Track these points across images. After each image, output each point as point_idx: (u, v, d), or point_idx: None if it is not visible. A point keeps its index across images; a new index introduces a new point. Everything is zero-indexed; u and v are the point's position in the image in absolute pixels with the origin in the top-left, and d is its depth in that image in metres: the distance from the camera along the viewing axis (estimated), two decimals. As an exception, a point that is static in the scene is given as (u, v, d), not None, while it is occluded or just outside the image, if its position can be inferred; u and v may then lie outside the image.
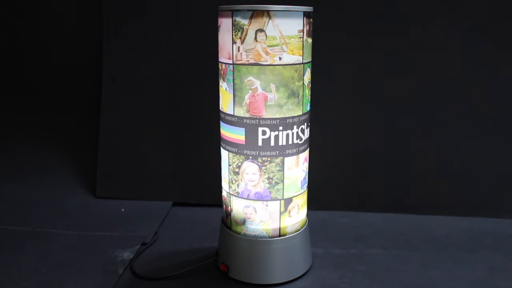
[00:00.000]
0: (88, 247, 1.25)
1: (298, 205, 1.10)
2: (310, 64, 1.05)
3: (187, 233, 1.35)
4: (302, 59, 1.01)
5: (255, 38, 0.96)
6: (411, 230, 1.38)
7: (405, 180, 1.48)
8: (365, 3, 1.40)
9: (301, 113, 1.05)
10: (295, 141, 1.05)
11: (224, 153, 1.09)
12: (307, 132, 1.09)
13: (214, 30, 1.42)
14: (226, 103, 1.05)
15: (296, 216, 1.11)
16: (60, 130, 1.83)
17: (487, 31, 1.39)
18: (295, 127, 1.04)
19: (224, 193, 1.12)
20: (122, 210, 1.50)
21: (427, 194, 1.48)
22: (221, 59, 1.04)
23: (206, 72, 1.48)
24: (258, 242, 1.07)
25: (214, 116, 1.44)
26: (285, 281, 1.10)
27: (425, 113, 1.45)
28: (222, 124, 1.09)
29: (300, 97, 1.03)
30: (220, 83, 1.06)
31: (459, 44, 1.40)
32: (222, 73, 1.04)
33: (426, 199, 1.48)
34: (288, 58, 0.99)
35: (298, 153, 1.06)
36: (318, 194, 1.47)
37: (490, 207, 1.46)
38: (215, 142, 1.44)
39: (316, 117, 1.41)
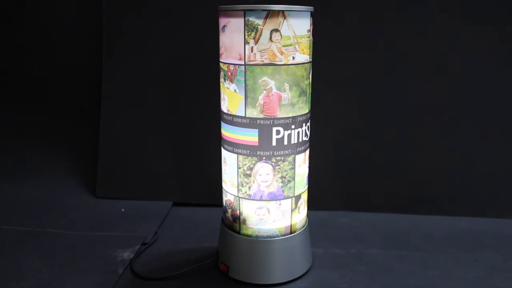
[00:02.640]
0: (88, 247, 1.25)
1: (304, 201, 1.13)
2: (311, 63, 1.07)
3: (187, 233, 1.35)
4: (309, 58, 1.03)
5: (270, 38, 0.96)
6: (411, 230, 1.38)
7: (405, 180, 1.48)
8: (365, 3, 1.40)
9: (307, 111, 1.07)
10: (304, 139, 1.07)
11: (231, 156, 1.07)
12: (309, 129, 1.11)
13: (214, 30, 1.41)
14: (235, 105, 1.03)
15: (303, 211, 1.13)
16: (60, 130, 1.83)
17: (487, 31, 1.39)
18: (303, 124, 1.06)
19: (229, 198, 1.11)
20: (122, 210, 1.50)
21: (427, 194, 1.48)
22: (227, 60, 1.02)
23: (206, 72, 1.48)
24: (258, 242, 1.07)
25: (214, 116, 1.44)
26: (285, 281, 1.10)
27: (425, 113, 1.45)
28: (228, 127, 1.06)
29: (307, 95, 1.06)
30: (226, 85, 1.04)
31: (460, 44, 1.40)
32: (229, 74, 1.02)
33: (426, 199, 1.48)
34: (300, 58, 1.00)
35: (305, 150, 1.09)
36: (318, 194, 1.47)
37: (490, 207, 1.46)
38: (215, 142, 1.44)
39: (316, 117, 1.41)
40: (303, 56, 1.01)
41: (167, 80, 1.53)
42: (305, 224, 1.15)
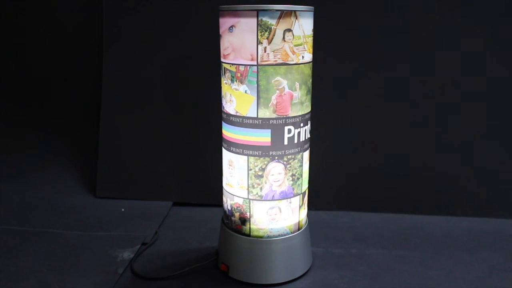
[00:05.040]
0: (88, 247, 1.25)
1: (307, 197, 1.15)
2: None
3: (187, 233, 1.35)
4: (312, 57, 1.06)
5: (283, 38, 0.97)
6: (411, 230, 1.38)
7: (405, 180, 1.48)
8: (365, 3, 1.40)
9: (310, 109, 1.09)
10: (308, 136, 1.09)
11: (240, 159, 1.06)
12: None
13: (214, 30, 1.41)
14: (245, 107, 1.02)
15: (306, 207, 1.16)
16: (60, 130, 1.83)
17: (487, 31, 1.39)
18: (308, 122, 1.08)
19: (237, 201, 1.09)
20: (122, 210, 1.50)
21: (427, 194, 1.48)
22: (236, 60, 1.00)
23: (206, 72, 1.48)
24: (258, 242, 1.07)
25: (214, 116, 1.44)
26: (285, 281, 1.10)
27: (425, 113, 1.45)
28: (237, 129, 1.05)
29: (311, 93, 1.08)
30: (234, 86, 1.02)
31: (460, 44, 1.40)
32: (238, 75, 1.01)
33: (426, 199, 1.48)
34: (307, 57, 1.02)
35: (309, 147, 1.11)
36: (318, 194, 1.47)
37: (490, 207, 1.46)
38: (215, 142, 1.44)
39: (316, 117, 1.41)
40: (309, 55, 1.03)
41: (167, 80, 1.53)
42: (305, 224, 1.15)
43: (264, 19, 0.95)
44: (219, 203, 1.37)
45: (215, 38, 1.38)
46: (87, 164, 1.73)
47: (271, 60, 0.98)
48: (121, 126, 1.58)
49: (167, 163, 1.56)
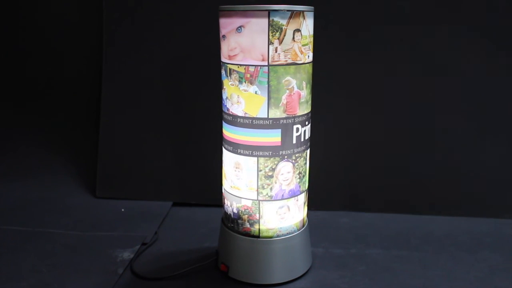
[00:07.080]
0: (88, 247, 1.25)
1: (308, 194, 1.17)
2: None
3: (187, 233, 1.35)
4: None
5: (293, 38, 0.98)
6: (411, 230, 1.38)
7: (405, 180, 1.48)
8: (365, 3, 1.40)
9: (311, 107, 1.11)
10: (309, 134, 1.11)
11: (249, 160, 1.05)
12: None
13: (214, 30, 1.41)
14: (255, 108, 1.02)
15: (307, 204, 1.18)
16: (60, 130, 1.83)
17: (487, 31, 1.39)
18: (310, 120, 1.10)
19: (245, 203, 1.08)
20: (122, 210, 1.50)
21: (427, 194, 1.48)
22: (245, 61, 0.99)
23: (206, 72, 1.48)
24: (258, 242, 1.07)
25: (214, 115, 1.44)
26: (285, 281, 1.10)
27: (425, 113, 1.45)
28: (246, 131, 1.03)
29: (312, 92, 1.09)
30: (243, 87, 1.01)
31: (459, 44, 1.40)
32: (248, 76, 1.00)
33: (426, 199, 1.48)
34: (311, 56, 1.04)
35: (310, 144, 1.13)
36: (318, 194, 1.47)
37: (490, 207, 1.46)
38: (215, 142, 1.44)
39: (317, 117, 1.41)
40: (312, 54, 1.05)
41: (167, 80, 1.53)
42: (305, 223, 1.15)
43: (275, 19, 0.96)
44: (219, 203, 1.37)
45: (215, 38, 1.38)
46: (87, 164, 1.73)
47: (282, 60, 0.98)
48: (121, 126, 1.58)
49: (167, 163, 1.56)
